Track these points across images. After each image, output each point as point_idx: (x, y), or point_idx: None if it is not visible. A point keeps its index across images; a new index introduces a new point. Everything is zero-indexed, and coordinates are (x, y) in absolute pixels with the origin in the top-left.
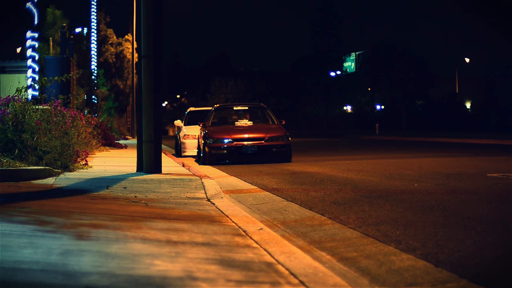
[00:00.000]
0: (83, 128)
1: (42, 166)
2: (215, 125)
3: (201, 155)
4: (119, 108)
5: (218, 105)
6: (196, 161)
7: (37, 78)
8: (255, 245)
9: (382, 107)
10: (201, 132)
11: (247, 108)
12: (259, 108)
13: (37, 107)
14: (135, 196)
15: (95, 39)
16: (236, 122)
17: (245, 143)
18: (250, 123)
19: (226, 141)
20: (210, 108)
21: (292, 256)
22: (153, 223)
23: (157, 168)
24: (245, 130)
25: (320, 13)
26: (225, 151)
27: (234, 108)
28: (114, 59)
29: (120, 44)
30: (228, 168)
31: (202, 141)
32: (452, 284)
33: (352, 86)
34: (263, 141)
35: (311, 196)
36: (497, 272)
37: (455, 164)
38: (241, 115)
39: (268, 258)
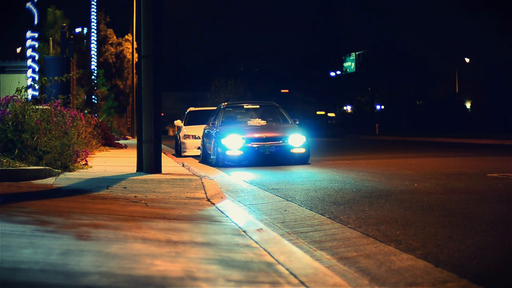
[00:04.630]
0: (83, 128)
1: (42, 166)
2: (226, 125)
3: (212, 156)
4: (119, 108)
5: (226, 103)
6: (200, 162)
7: (37, 78)
8: (255, 245)
9: (382, 107)
10: (207, 132)
11: (258, 106)
12: (271, 107)
13: (37, 107)
14: (135, 196)
15: (95, 39)
16: (248, 122)
17: (263, 143)
18: (263, 122)
19: (242, 141)
20: (210, 108)
21: (292, 256)
22: (153, 223)
23: (157, 168)
24: (261, 130)
25: (320, 13)
26: (241, 152)
27: (245, 106)
28: (114, 59)
29: (120, 44)
30: (233, 169)
31: (207, 140)
32: (452, 284)
33: (352, 86)
34: (281, 142)
35: (311, 196)
36: (497, 272)
37: (455, 164)
38: (252, 114)
39: (268, 258)
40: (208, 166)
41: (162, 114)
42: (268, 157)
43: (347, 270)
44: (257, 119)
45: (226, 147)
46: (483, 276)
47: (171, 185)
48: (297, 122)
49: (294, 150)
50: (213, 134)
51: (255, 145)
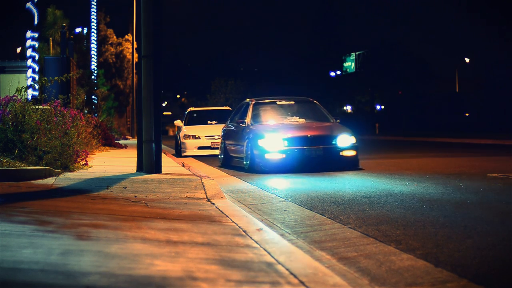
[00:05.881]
0: (83, 128)
1: (42, 166)
2: (259, 123)
3: (245, 162)
4: (119, 108)
5: (254, 99)
6: (220, 166)
7: (37, 78)
8: (255, 245)
9: (382, 107)
10: (231, 131)
11: (293, 102)
12: (307, 103)
13: (37, 107)
14: (135, 196)
15: (95, 39)
16: (285, 120)
17: (308, 145)
18: (302, 120)
19: (283, 142)
20: (210, 108)
21: (292, 256)
22: (153, 223)
23: (157, 168)
24: (303, 129)
25: (321, 13)
26: (282, 156)
27: (278, 102)
28: (114, 59)
29: (120, 44)
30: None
31: (233, 141)
32: (452, 284)
33: (352, 86)
34: (329, 143)
35: (311, 196)
36: (497, 272)
37: (455, 164)
38: (287, 111)
39: (268, 258)
40: (207, 166)
41: (170, 113)
42: (315, 161)
43: (347, 270)
44: (294, 117)
45: (265, 149)
46: (483, 276)
47: (171, 185)
48: (338, 121)
49: (344, 153)
50: (244, 134)
51: (299, 147)
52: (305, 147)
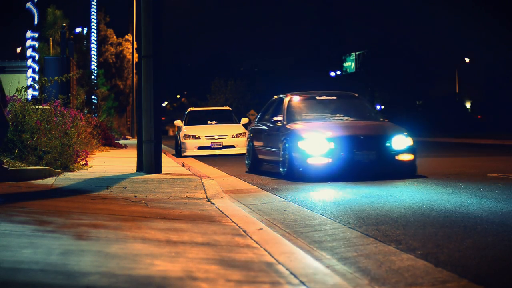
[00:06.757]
0: (83, 128)
1: (42, 166)
2: (297, 121)
3: (282, 169)
4: (119, 108)
5: (289, 94)
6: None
7: (37, 78)
8: (255, 245)
9: (382, 107)
10: (261, 131)
11: (335, 98)
12: (351, 99)
13: (37, 107)
14: (135, 196)
15: (95, 39)
16: (328, 118)
17: (359, 148)
18: (347, 119)
19: (328, 144)
20: (210, 108)
21: (292, 256)
22: (153, 223)
23: (157, 168)
24: (350, 129)
25: (321, 13)
26: (328, 160)
27: (317, 98)
28: (114, 59)
29: (120, 44)
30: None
31: (263, 143)
32: (452, 284)
33: (352, 86)
34: (383, 145)
35: (310, 196)
36: (497, 272)
37: (455, 164)
38: (329, 108)
39: (268, 258)
40: (207, 166)
41: (163, 118)
42: (366, 166)
43: (347, 270)
44: (337, 114)
45: (307, 152)
46: (483, 276)
47: (171, 185)
48: (386, 120)
49: (400, 157)
50: (280, 134)
51: (348, 150)
52: (355, 150)
